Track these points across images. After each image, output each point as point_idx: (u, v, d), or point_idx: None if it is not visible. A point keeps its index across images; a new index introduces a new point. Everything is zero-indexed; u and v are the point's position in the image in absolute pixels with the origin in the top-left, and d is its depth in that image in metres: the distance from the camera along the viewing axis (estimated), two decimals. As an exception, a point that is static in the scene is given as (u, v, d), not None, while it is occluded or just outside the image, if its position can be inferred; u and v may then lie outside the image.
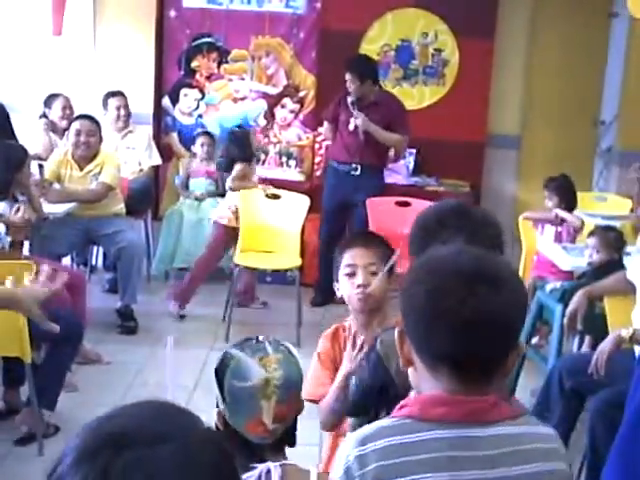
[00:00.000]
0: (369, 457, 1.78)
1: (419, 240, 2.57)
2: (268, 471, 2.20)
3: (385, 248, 3.27)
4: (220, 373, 2.30)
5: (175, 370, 2.63)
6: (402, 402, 1.89)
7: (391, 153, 7.68)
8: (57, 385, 5.03)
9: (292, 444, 2.39)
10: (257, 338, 2.37)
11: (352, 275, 3.18)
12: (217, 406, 2.32)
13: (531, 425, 1.91)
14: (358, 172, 7.44)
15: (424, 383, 1.87)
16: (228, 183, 7.22)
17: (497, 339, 1.81)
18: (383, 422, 1.85)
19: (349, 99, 7.37)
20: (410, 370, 1.92)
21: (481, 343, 1.78)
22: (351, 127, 7.38)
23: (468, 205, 2.94)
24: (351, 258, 3.19)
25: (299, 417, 2.43)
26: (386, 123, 7.37)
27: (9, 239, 5.44)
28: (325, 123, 7.78)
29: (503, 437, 1.83)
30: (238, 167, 7.16)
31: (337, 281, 3.26)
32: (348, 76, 7.33)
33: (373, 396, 2.70)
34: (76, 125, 6.81)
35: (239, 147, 7.26)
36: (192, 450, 1.19)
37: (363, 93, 7.35)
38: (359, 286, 3.14)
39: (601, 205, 7.58)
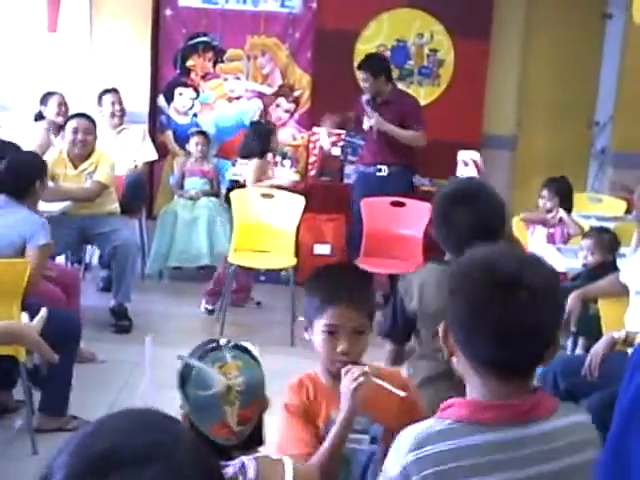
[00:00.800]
0: (426, 461, 1.86)
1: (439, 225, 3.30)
2: (242, 465, 2.23)
3: (373, 298, 2.87)
4: (182, 381, 2.31)
5: (150, 369, 2.66)
6: (448, 402, 1.98)
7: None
8: (65, 388, 5.05)
9: (260, 443, 2.39)
10: (217, 343, 2.36)
11: (332, 334, 2.68)
12: (182, 407, 2.33)
13: (567, 416, 2.00)
14: (385, 173, 7.46)
15: (467, 375, 1.99)
16: (248, 183, 7.29)
17: (537, 345, 1.92)
18: (435, 425, 1.93)
19: (363, 98, 7.40)
20: (454, 359, 2.02)
21: (521, 350, 1.90)
22: (365, 126, 7.42)
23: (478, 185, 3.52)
24: (333, 318, 2.68)
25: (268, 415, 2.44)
26: (400, 120, 7.37)
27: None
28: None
29: (547, 433, 1.92)
30: (253, 164, 7.29)
31: (309, 327, 2.77)
32: (361, 75, 7.38)
33: (399, 327, 3.43)
34: (73, 123, 6.82)
35: (259, 139, 7.39)
36: (179, 468, 1.17)
37: (377, 90, 7.36)
38: (343, 353, 2.67)
39: (595, 206, 7.58)
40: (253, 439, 2.35)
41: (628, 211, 7.06)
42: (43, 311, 3.29)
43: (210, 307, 7.19)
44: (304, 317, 2.81)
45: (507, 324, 1.86)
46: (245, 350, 2.36)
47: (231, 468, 2.24)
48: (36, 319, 3.27)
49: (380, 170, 7.45)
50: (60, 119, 7.59)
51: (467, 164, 6.96)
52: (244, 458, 2.25)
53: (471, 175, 6.71)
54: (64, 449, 1.20)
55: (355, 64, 8.45)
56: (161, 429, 1.24)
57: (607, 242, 5.65)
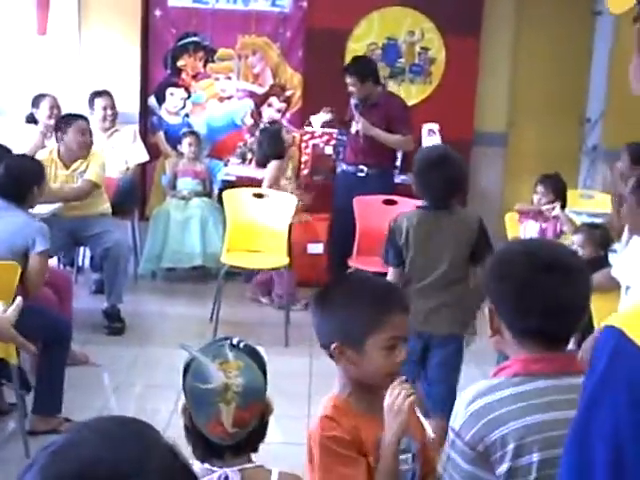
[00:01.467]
0: (478, 413, 2.19)
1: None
2: (226, 477, 2.25)
3: None
4: (184, 372, 2.33)
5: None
6: (500, 366, 2.32)
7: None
8: (58, 388, 5.03)
9: (254, 450, 2.37)
10: (229, 341, 2.35)
11: (392, 348, 2.48)
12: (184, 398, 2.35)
13: None
14: (363, 174, 7.42)
15: (509, 349, 2.32)
16: (265, 185, 7.36)
17: (574, 316, 2.28)
18: (488, 383, 2.26)
19: (352, 102, 7.37)
20: (494, 339, 2.36)
21: (563, 321, 2.26)
22: (352, 130, 7.38)
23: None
24: (397, 328, 2.49)
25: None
26: (387, 123, 7.32)
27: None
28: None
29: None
30: (272, 166, 7.41)
31: (347, 347, 2.50)
32: (348, 79, 7.28)
33: (394, 254, 4.54)
34: (79, 125, 6.80)
35: (271, 144, 7.52)
36: None
37: (366, 94, 7.30)
38: (402, 363, 2.50)
39: (587, 203, 7.59)
40: (248, 444, 2.34)
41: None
42: (18, 300, 3.26)
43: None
44: (327, 340, 2.52)
45: (549, 301, 2.21)
46: (252, 353, 2.34)
47: (216, 475, 2.25)
48: (10, 309, 3.22)
49: (361, 171, 7.43)
50: (52, 122, 7.59)
51: (432, 133, 7.12)
52: (228, 471, 2.26)
53: (437, 143, 7.51)
54: (32, 467, 1.17)
55: (346, 63, 8.47)
56: (131, 442, 1.21)
57: (598, 238, 5.65)
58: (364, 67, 7.38)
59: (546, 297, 2.21)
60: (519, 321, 2.27)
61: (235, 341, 2.34)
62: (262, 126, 7.79)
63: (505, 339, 2.32)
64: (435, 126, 7.21)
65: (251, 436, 2.32)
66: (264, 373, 2.34)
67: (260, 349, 2.40)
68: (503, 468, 2.14)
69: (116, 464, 1.16)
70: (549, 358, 2.25)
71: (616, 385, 1.06)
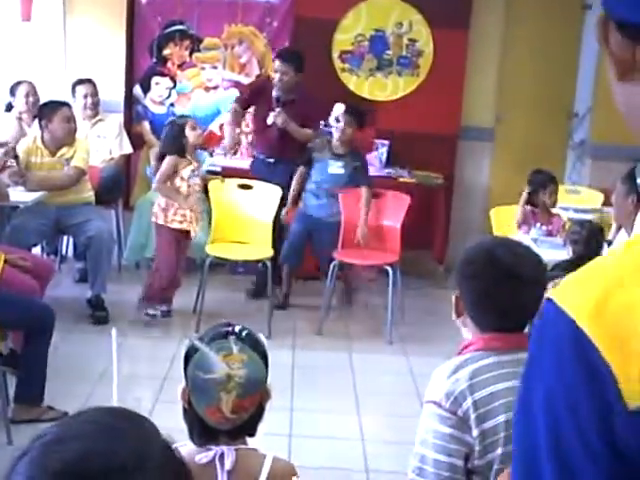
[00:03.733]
0: (460, 381, 2.47)
1: None
2: (222, 454, 2.32)
3: None
4: (186, 359, 2.38)
5: (119, 361, 2.70)
6: (463, 344, 2.64)
7: None
8: (42, 376, 5.02)
9: (252, 434, 2.45)
10: (231, 328, 2.40)
11: None
12: (185, 383, 2.41)
13: None
14: (272, 160, 7.46)
15: (472, 330, 2.63)
16: (154, 183, 6.93)
17: (531, 315, 2.53)
18: (460, 358, 2.56)
19: (274, 93, 7.29)
20: (459, 320, 2.67)
21: (516, 320, 2.59)
22: (269, 121, 7.27)
23: None
24: None
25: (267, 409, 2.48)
26: (302, 120, 7.29)
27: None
28: (233, 106, 7.67)
29: None
30: (166, 162, 6.71)
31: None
32: (282, 67, 7.21)
33: None
34: (65, 113, 6.80)
35: (169, 138, 6.76)
36: (150, 477, 1.14)
37: (291, 86, 7.25)
38: None
39: (574, 198, 7.57)
40: (245, 428, 2.41)
41: (605, 203, 7.05)
42: None
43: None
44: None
45: (505, 305, 2.54)
46: (255, 343, 2.40)
47: (211, 453, 2.32)
48: None
49: (270, 162, 7.47)
50: (28, 108, 7.55)
51: (339, 120, 7.11)
52: (225, 448, 2.33)
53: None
54: (23, 459, 1.15)
55: (334, 54, 8.44)
56: (130, 434, 1.19)
57: (587, 234, 5.62)
58: (300, 58, 7.35)
59: (502, 302, 2.54)
60: (477, 317, 2.62)
61: (237, 329, 2.39)
62: (171, 118, 7.25)
63: (467, 323, 2.65)
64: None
65: (248, 421, 2.39)
66: (266, 363, 2.41)
67: (261, 337, 2.47)
68: (476, 430, 2.44)
69: (115, 457, 1.14)
70: (507, 337, 2.57)
71: (544, 353, 1.07)
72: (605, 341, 1.01)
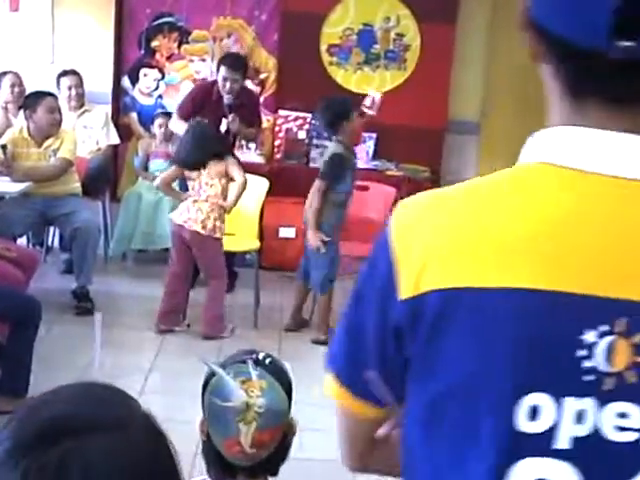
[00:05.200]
0: None
1: None
2: None
3: None
4: (203, 386, 2.23)
5: (100, 347, 2.63)
6: None
7: None
8: (26, 368, 5.01)
9: (274, 473, 2.27)
10: (255, 356, 2.25)
11: None
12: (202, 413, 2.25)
13: None
14: None
15: None
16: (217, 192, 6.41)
17: None
18: None
19: (225, 101, 7.20)
20: None
21: None
22: (223, 128, 7.19)
23: None
24: None
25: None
26: (247, 119, 7.32)
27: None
28: (178, 121, 7.44)
29: None
30: (221, 168, 6.39)
31: None
32: (231, 74, 7.14)
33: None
34: (47, 103, 6.80)
35: (211, 142, 6.45)
36: (129, 439, 1.17)
37: (238, 92, 7.23)
38: None
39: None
40: (266, 466, 2.23)
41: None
42: None
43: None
44: None
45: None
46: (278, 371, 2.25)
47: None
48: None
49: None
50: (14, 99, 7.56)
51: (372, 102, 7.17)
52: None
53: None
54: (12, 418, 1.19)
55: (322, 47, 8.46)
56: (114, 401, 1.24)
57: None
58: (246, 64, 7.41)
59: None
60: None
61: (261, 356, 2.24)
62: (194, 123, 6.66)
63: None
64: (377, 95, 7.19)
65: (270, 458, 2.22)
66: (289, 394, 2.25)
67: (287, 366, 2.31)
68: None
69: (98, 415, 1.18)
70: None
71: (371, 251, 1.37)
72: (397, 245, 1.29)
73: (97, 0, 8.27)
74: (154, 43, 8.48)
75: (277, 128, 8.48)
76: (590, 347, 1.18)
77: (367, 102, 7.14)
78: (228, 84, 7.14)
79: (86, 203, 7.15)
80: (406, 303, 1.26)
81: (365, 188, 7.22)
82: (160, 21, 8.42)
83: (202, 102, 7.30)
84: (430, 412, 1.28)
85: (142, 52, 8.50)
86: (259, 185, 7.10)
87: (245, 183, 6.45)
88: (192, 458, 3.97)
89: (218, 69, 7.27)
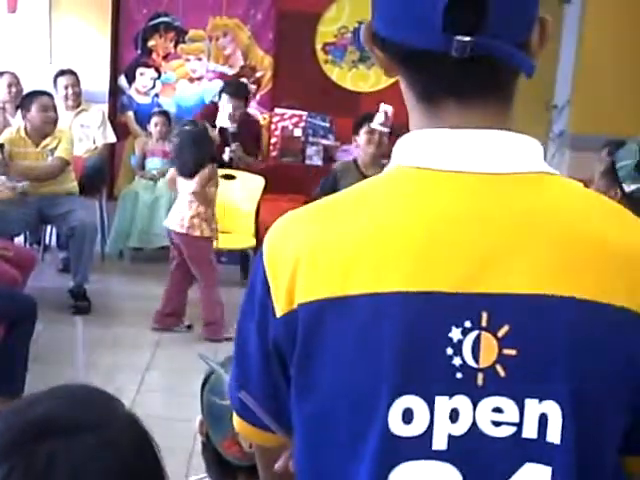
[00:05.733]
0: None
1: None
2: None
3: None
4: (202, 385, 2.22)
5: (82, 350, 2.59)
6: None
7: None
8: (22, 368, 5.01)
9: None
10: None
11: None
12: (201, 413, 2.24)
13: None
14: None
15: None
16: (194, 189, 6.20)
17: None
18: None
19: (230, 129, 7.23)
20: None
21: None
22: (226, 158, 7.22)
23: None
24: None
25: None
26: (248, 147, 7.38)
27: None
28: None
29: None
30: (206, 170, 6.20)
31: None
32: (234, 102, 7.22)
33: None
34: (40, 101, 6.84)
35: (199, 147, 6.21)
36: (114, 438, 1.21)
37: (242, 120, 7.30)
38: None
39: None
40: None
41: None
42: None
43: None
44: None
45: None
46: None
47: None
48: None
49: None
50: (11, 99, 7.60)
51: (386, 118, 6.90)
52: None
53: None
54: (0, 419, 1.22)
55: (318, 46, 8.50)
56: (98, 400, 1.27)
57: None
58: (246, 89, 7.49)
59: None
60: None
61: None
62: (187, 126, 6.45)
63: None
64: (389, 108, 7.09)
65: None
66: None
67: None
68: None
69: (83, 416, 1.21)
70: None
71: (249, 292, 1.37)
72: (269, 266, 1.30)
73: (94, 1, 8.30)
74: (150, 43, 8.52)
75: (273, 126, 8.52)
76: (457, 344, 1.19)
77: (379, 118, 6.72)
78: (230, 112, 7.19)
79: (83, 202, 7.19)
80: (281, 320, 1.27)
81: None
82: (156, 21, 8.46)
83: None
84: (311, 425, 1.28)
85: (139, 52, 8.54)
86: (255, 183, 7.14)
87: (196, 194, 6.17)
88: (188, 456, 4.05)
89: (220, 97, 7.31)
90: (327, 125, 8.49)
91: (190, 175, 6.16)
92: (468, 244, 1.22)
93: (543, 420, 1.20)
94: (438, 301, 1.20)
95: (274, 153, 8.52)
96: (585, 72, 8.43)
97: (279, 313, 1.28)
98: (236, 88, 7.41)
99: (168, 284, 6.50)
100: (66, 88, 7.82)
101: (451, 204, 1.24)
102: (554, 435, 1.20)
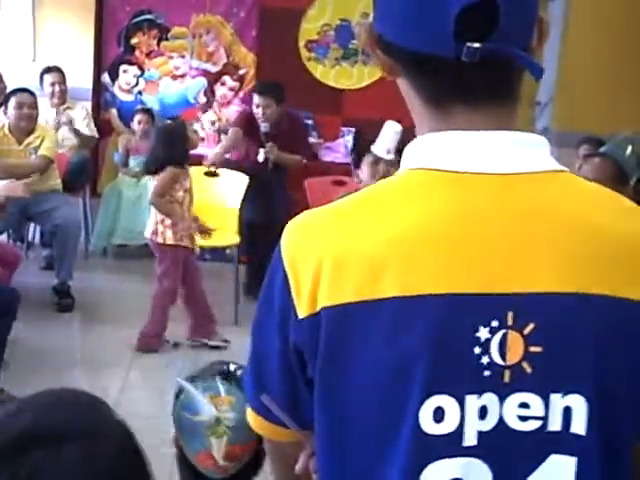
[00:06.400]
0: None
1: None
2: None
3: None
4: (175, 400, 2.19)
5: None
6: None
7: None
8: None
9: None
10: (226, 367, 2.20)
11: None
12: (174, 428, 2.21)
13: None
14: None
15: None
16: (149, 197, 6.09)
17: None
18: None
19: (262, 129, 7.16)
20: None
21: None
22: (260, 158, 7.13)
23: None
24: None
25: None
26: (290, 147, 7.21)
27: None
28: (231, 131, 7.47)
29: None
30: (166, 172, 5.92)
31: None
32: (262, 100, 7.08)
33: None
34: (17, 98, 6.84)
35: (168, 145, 5.98)
36: (99, 448, 1.20)
37: (276, 118, 7.13)
38: None
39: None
40: (238, 478, 2.19)
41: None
42: None
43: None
44: None
45: None
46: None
47: None
48: None
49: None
50: None
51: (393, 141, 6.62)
52: None
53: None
54: None
55: (301, 43, 8.51)
56: (85, 409, 1.26)
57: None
58: (278, 88, 7.21)
59: None
60: None
61: (232, 368, 2.20)
62: (165, 122, 6.39)
63: None
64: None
65: (242, 472, 2.18)
66: None
67: None
68: None
69: (68, 424, 1.21)
70: None
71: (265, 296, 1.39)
72: (289, 267, 1.31)
73: (78, -2, 8.30)
74: (134, 40, 8.53)
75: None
76: (485, 343, 1.23)
77: (384, 143, 5.99)
78: (260, 110, 7.11)
79: (67, 199, 7.19)
80: (304, 322, 1.28)
81: (342, 183, 7.27)
82: (140, 18, 8.47)
83: (246, 123, 7.26)
84: (336, 425, 1.30)
85: (122, 49, 8.54)
86: (239, 181, 7.14)
87: (152, 198, 5.99)
88: (172, 456, 4.05)
89: (253, 97, 7.24)
90: (310, 123, 8.50)
91: (152, 173, 6.03)
92: (490, 245, 1.25)
93: (567, 413, 1.25)
94: (465, 302, 1.23)
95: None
96: (568, 69, 8.46)
97: (301, 315, 1.29)
98: (262, 86, 7.31)
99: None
100: (52, 85, 7.81)
101: (471, 205, 1.27)
102: (579, 427, 1.25)
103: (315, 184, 7.25)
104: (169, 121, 6.46)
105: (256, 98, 7.17)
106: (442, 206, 1.27)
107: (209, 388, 2.13)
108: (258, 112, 7.14)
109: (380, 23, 1.33)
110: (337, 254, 1.26)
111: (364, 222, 1.29)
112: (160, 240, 5.99)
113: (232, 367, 2.19)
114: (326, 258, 1.27)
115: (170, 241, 5.96)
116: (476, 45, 1.21)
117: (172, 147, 5.95)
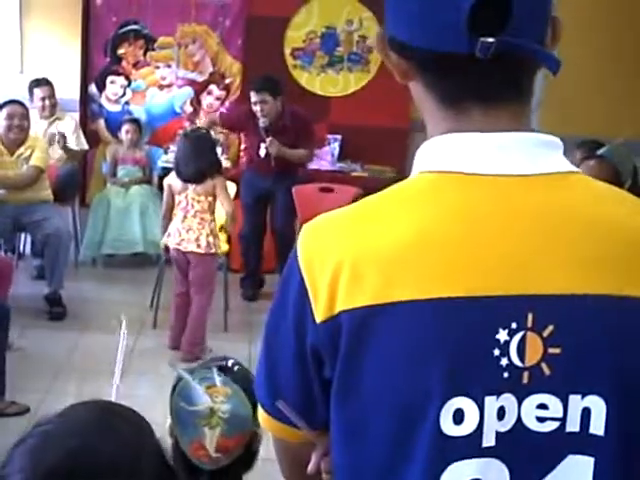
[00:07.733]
0: None
1: None
2: None
3: None
4: (172, 390, 2.23)
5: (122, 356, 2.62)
6: None
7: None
8: (1, 372, 5.03)
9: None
10: (224, 362, 2.27)
11: None
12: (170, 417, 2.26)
13: None
14: (272, 176, 7.31)
15: None
16: (231, 211, 6.27)
17: None
18: None
19: (261, 124, 7.16)
20: None
21: None
22: (262, 153, 7.19)
23: None
24: None
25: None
26: (294, 141, 7.23)
27: None
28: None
29: None
30: (221, 180, 6.20)
31: None
32: (258, 97, 7.07)
33: None
34: (7, 109, 6.88)
35: (213, 151, 6.26)
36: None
37: (276, 112, 7.14)
38: None
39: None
40: (229, 473, 2.23)
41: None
42: None
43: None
44: None
45: None
46: (244, 379, 2.21)
47: None
48: None
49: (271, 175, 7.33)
50: None
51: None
52: None
53: None
54: (18, 451, 1.19)
55: (286, 51, 8.56)
56: (132, 437, 1.24)
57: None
58: (274, 83, 7.22)
59: None
60: None
61: (230, 363, 2.27)
62: (194, 131, 6.47)
63: None
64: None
65: (234, 464, 2.22)
66: (254, 403, 2.07)
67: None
68: None
69: (107, 457, 1.19)
70: None
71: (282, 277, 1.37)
72: (306, 271, 1.30)
73: (64, 9, 8.32)
74: (120, 50, 8.56)
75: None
76: (504, 345, 1.23)
77: None
78: (258, 107, 7.11)
79: (57, 209, 7.23)
80: (322, 326, 1.28)
81: (329, 190, 7.32)
82: (126, 29, 8.51)
83: (246, 120, 7.30)
84: (354, 426, 1.30)
85: (108, 59, 8.58)
86: (228, 189, 7.16)
87: (234, 213, 6.32)
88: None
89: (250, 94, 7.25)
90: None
91: (196, 181, 6.03)
92: (507, 246, 1.25)
93: (585, 414, 1.25)
94: (485, 305, 1.24)
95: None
96: (556, 75, 8.52)
97: (319, 318, 1.29)
98: (258, 81, 7.25)
99: (178, 305, 6.36)
100: (43, 100, 7.85)
101: (487, 207, 1.27)
102: (597, 427, 1.26)
103: (302, 191, 7.29)
104: (192, 132, 6.42)
105: (252, 95, 7.17)
106: (457, 208, 1.27)
107: (206, 379, 2.18)
108: (257, 109, 7.15)
109: (392, 24, 1.34)
110: (354, 258, 1.26)
111: (380, 225, 1.29)
112: (213, 250, 6.16)
113: (230, 362, 2.26)
114: (344, 262, 1.26)
115: (220, 250, 6.29)
116: (490, 40, 1.21)
117: (216, 154, 6.29)
